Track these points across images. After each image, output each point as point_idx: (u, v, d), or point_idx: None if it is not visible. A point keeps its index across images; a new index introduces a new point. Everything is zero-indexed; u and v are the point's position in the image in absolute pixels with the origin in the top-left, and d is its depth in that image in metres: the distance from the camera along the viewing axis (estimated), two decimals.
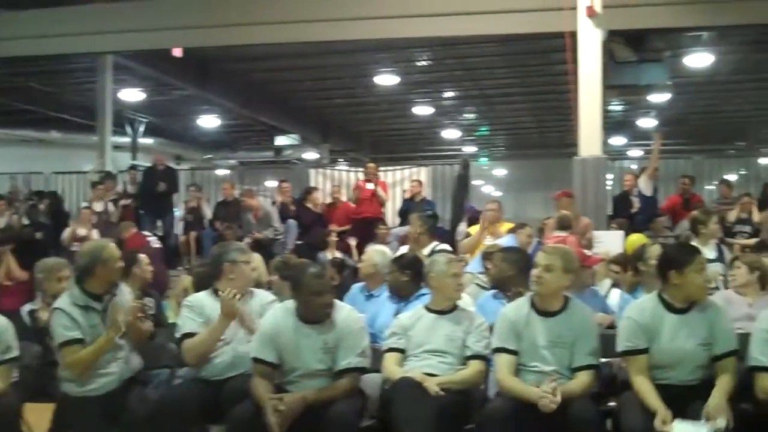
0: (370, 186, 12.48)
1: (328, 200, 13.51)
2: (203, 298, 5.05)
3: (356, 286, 6.54)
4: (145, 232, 11.61)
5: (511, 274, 5.48)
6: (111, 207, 12.69)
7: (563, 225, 8.19)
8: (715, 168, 14.76)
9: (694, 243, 6.87)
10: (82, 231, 11.77)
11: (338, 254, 10.97)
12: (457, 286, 4.92)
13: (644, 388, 4.27)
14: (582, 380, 4.42)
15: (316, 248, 11.51)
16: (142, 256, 6.90)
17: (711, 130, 23.03)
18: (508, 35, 13.16)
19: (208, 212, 13.49)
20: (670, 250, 4.73)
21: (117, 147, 18.46)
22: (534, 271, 4.54)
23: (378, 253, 6.38)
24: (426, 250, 6.96)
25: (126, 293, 5.10)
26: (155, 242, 11.23)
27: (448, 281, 4.89)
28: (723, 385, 4.22)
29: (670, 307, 4.41)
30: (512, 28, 11.85)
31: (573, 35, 10.37)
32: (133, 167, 14.39)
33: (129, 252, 6.71)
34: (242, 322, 4.90)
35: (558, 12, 10.22)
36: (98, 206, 12.56)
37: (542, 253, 4.63)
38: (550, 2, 10.48)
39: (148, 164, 15.44)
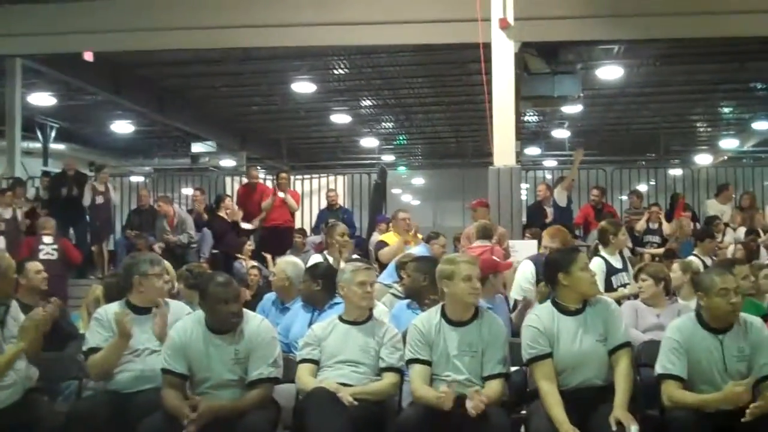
0: (281, 194, 12.39)
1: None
2: (113, 310, 4.93)
3: (268, 297, 6.48)
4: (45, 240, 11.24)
5: (425, 284, 5.49)
6: (19, 215, 12.32)
7: (486, 234, 8.23)
8: (626, 179, 15.07)
9: (603, 253, 7.06)
10: None
11: (253, 263, 10.90)
12: (364, 294, 4.87)
13: (550, 399, 4.33)
14: (493, 389, 4.47)
15: (231, 257, 11.41)
16: (31, 264, 6.72)
17: (622, 142, 23.61)
18: (424, 45, 13.26)
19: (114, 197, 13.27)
20: (552, 256, 4.87)
21: (27, 152, 18.02)
22: (470, 284, 4.55)
23: (290, 265, 6.32)
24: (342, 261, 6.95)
25: (16, 306, 4.97)
26: (50, 252, 10.86)
27: (355, 289, 4.87)
28: (622, 386, 4.33)
29: (564, 311, 4.54)
30: (428, 38, 11.96)
31: (487, 46, 10.48)
32: (45, 173, 13.99)
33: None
34: (160, 334, 4.81)
35: (473, 23, 10.31)
36: (6, 213, 12.18)
37: (470, 264, 4.65)
38: (465, 13, 10.56)
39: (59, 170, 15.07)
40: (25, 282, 6.41)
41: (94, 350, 4.80)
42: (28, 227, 12.21)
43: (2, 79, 15.94)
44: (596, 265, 6.67)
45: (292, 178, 13.27)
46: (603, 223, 7.57)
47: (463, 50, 13.36)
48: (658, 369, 4.42)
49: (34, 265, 6.74)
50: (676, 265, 6.77)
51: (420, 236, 9.78)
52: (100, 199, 12.91)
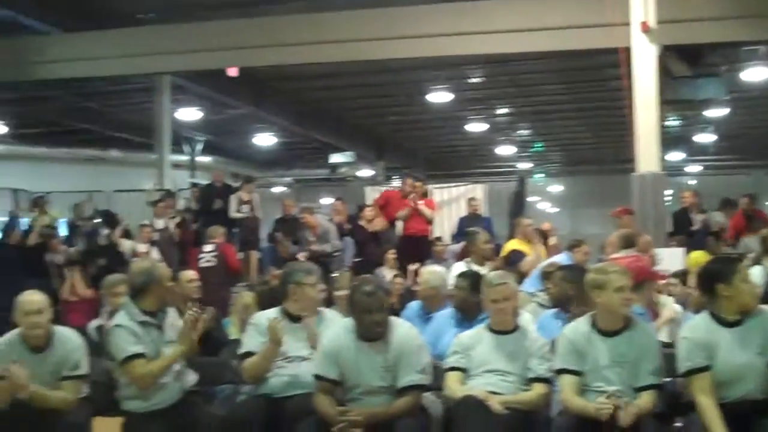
0: (419, 203, 12.38)
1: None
2: (269, 316, 5.09)
3: (412, 306, 6.53)
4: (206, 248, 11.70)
5: (572, 293, 5.43)
6: (171, 225, 12.88)
7: (629, 243, 8.07)
8: None
9: (766, 263, 6.78)
10: (141, 248, 11.96)
11: (395, 272, 10.97)
12: (497, 310, 4.86)
13: (709, 414, 4.20)
14: (645, 400, 4.38)
15: (373, 265, 11.55)
16: (184, 273, 6.98)
17: None
18: (562, 51, 13.13)
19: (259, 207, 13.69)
20: (712, 265, 4.68)
21: (175, 165, 18.74)
22: (623, 295, 4.50)
23: (434, 275, 6.36)
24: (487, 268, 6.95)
25: (175, 315, 5.20)
26: (209, 259, 11.30)
27: (491, 305, 4.88)
28: None
29: (722, 322, 4.39)
30: (566, 45, 11.82)
31: (627, 51, 10.30)
32: (194, 185, 14.55)
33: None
34: (312, 343, 4.96)
35: (612, 28, 10.17)
36: (159, 223, 12.76)
37: (622, 275, 4.60)
38: (603, 18, 10.43)
39: (207, 182, 15.64)
40: (179, 290, 6.70)
41: (248, 354, 4.99)
42: (180, 237, 12.74)
43: (152, 95, 16.71)
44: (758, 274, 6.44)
45: (430, 186, 13.27)
46: (766, 230, 7.27)
47: (601, 55, 13.15)
48: None
49: (186, 275, 7.03)
50: None
51: (553, 241, 9.65)
52: (245, 209, 13.33)
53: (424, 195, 12.76)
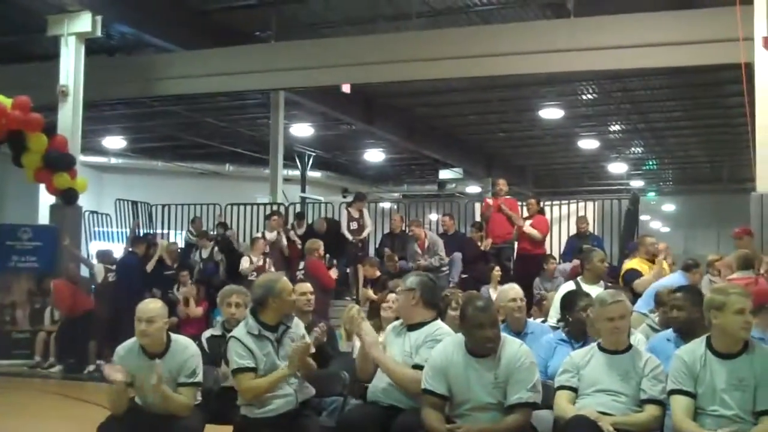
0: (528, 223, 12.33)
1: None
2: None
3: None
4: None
5: (697, 316, 5.30)
6: (283, 238, 13.16)
7: (747, 264, 7.83)
8: None
9: None
10: (255, 259, 12.25)
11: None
12: (612, 329, 4.74)
13: None
14: (766, 425, 4.24)
15: (480, 282, 11.51)
16: (300, 285, 7.08)
17: None
18: (677, 67, 12.87)
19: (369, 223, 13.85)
20: None
21: (287, 180, 19.11)
22: (743, 318, 4.36)
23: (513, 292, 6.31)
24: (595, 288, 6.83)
25: (300, 326, 5.28)
26: (300, 277, 11.46)
27: (605, 324, 4.77)
28: None
29: (716, 353, 4.32)
30: (683, 61, 11.62)
31: (748, 66, 10.01)
32: (299, 215, 14.86)
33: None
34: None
35: (730, 43, 9.92)
36: (270, 236, 13.04)
37: (743, 297, 4.45)
38: (722, 33, 10.21)
39: (318, 197, 15.90)
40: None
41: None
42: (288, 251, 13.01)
43: (267, 111, 17.11)
44: None
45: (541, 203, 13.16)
46: None
47: (719, 71, 12.87)
48: None
49: (301, 287, 7.14)
50: None
51: (669, 263, 9.42)
52: (354, 225, 13.47)
53: (541, 212, 12.65)
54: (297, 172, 21.85)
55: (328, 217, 14.57)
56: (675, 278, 7.90)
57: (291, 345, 5.06)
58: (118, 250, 14.46)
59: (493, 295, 10.25)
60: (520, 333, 5.99)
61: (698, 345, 4.50)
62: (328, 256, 12.76)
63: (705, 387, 4.37)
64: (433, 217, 16.34)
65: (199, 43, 13.77)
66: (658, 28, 11.31)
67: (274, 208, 15.69)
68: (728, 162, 21.92)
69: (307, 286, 7.24)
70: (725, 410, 4.29)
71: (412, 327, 5.09)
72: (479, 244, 12.57)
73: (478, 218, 13.84)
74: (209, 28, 13.98)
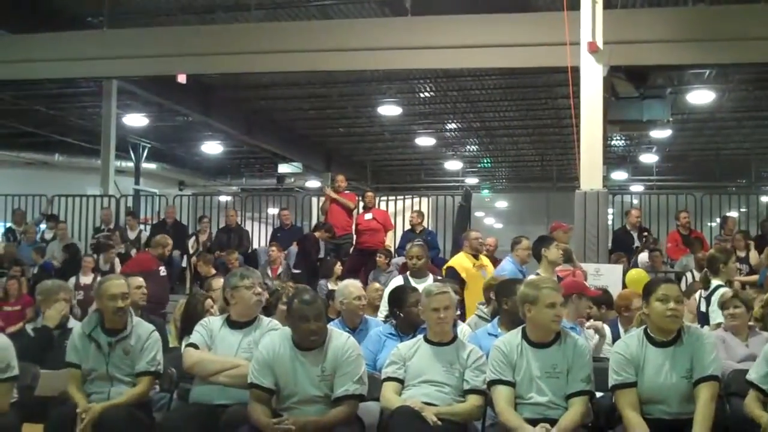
0: (368, 216, 12.46)
1: None
2: (215, 321, 5.17)
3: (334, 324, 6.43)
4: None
5: (506, 307, 5.49)
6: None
7: (567, 258, 8.15)
8: (716, 205, 14.77)
9: (715, 281, 6.88)
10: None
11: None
12: (437, 320, 4.86)
13: (636, 429, 4.25)
14: (576, 409, 4.42)
15: (318, 277, 11.50)
16: (133, 279, 6.88)
17: (712, 167, 23.14)
18: (511, 69, 13.26)
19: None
20: (649, 283, 4.73)
21: (120, 171, 18.54)
22: (554, 311, 4.54)
23: (356, 289, 6.34)
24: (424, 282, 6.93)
25: (142, 337, 5.13)
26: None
27: (430, 314, 4.89)
28: (700, 419, 4.22)
29: (653, 341, 4.46)
30: (515, 62, 11.97)
31: (575, 70, 10.41)
32: (130, 213, 14.53)
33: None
34: None
35: (560, 47, 10.26)
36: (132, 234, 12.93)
37: (554, 291, 4.63)
38: (552, 37, 10.53)
39: (152, 190, 15.52)
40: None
41: (193, 345, 5.02)
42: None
43: (99, 100, 16.52)
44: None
45: (377, 199, 13.32)
46: (713, 250, 7.37)
47: (550, 74, 13.33)
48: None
49: (131, 281, 6.94)
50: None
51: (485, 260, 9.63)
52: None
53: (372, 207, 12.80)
54: (131, 164, 21.22)
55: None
56: (504, 265, 8.09)
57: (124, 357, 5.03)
58: None
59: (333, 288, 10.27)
60: (355, 329, 6.04)
61: (515, 335, 4.67)
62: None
63: (522, 375, 4.53)
64: (272, 211, 16.22)
65: (28, 27, 13.11)
66: (493, 29, 11.58)
67: (105, 200, 15.25)
68: (557, 161, 22.78)
69: (140, 280, 7.07)
70: (540, 397, 4.47)
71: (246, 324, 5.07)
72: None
73: (315, 212, 13.87)
74: (38, 12, 13.34)
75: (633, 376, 4.39)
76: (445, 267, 9.17)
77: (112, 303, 5.04)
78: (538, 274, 6.99)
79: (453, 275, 8.48)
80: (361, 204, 12.95)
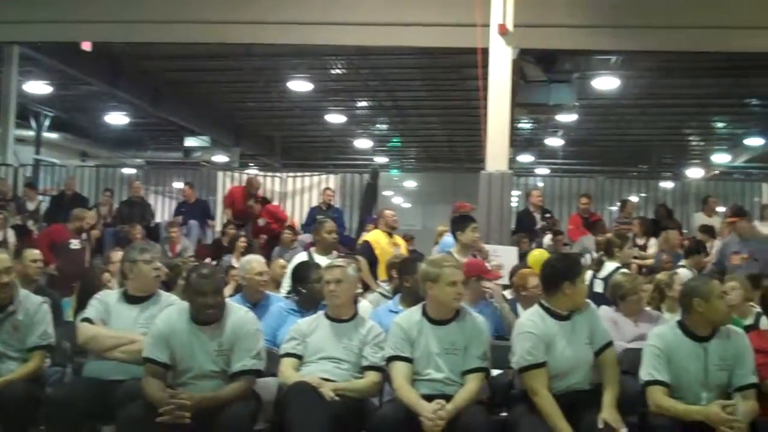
0: (261, 222, 12.40)
1: None
2: (112, 296, 5.05)
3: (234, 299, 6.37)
4: None
5: (408, 285, 5.53)
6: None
7: None
8: (616, 189, 15.13)
9: (610, 264, 7.06)
10: None
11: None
12: (329, 293, 4.88)
13: (550, 409, 4.33)
14: (471, 385, 4.49)
15: (223, 250, 11.39)
16: (29, 252, 6.73)
17: (615, 152, 23.69)
18: (422, 48, 13.27)
19: None
20: (559, 263, 4.81)
21: (20, 140, 17.96)
22: (456, 289, 4.59)
23: (259, 264, 6.28)
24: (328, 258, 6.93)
25: (30, 311, 4.99)
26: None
27: (324, 287, 4.94)
28: (611, 386, 4.41)
29: (556, 316, 4.56)
30: (427, 41, 11.96)
31: (485, 52, 10.49)
32: (29, 184, 14.07)
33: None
34: None
35: (471, 28, 10.32)
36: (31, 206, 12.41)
37: (456, 269, 4.66)
38: (464, 18, 10.56)
39: (53, 160, 15.04)
40: (20, 267, 6.44)
41: (87, 320, 4.90)
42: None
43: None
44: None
45: (284, 175, 13.25)
46: (610, 234, 7.55)
47: (460, 55, 13.36)
48: (643, 376, 4.45)
49: (28, 254, 6.79)
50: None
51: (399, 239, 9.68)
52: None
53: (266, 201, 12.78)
54: (32, 133, 20.56)
55: None
56: (447, 239, 8.06)
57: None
58: None
59: (236, 265, 10.18)
60: (257, 304, 5.98)
61: (415, 312, 4.70)
62: None
63: (421, 352, 4.57)
64: (177, 185, 15.98)
65: None
66: (405, 8, 11.53)
67: (3, 169, 14.77)
68: (465, 143, 22.92)
69: (35, 253, 6.89)
70: (437, 374, 4.54)
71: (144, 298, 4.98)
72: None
73: (220, 187, 13.73)
74: None
75: (543, 355, 4.46)
76: (361, 241, 9.21)
77: None
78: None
79: (368, 250, 8.50)
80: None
